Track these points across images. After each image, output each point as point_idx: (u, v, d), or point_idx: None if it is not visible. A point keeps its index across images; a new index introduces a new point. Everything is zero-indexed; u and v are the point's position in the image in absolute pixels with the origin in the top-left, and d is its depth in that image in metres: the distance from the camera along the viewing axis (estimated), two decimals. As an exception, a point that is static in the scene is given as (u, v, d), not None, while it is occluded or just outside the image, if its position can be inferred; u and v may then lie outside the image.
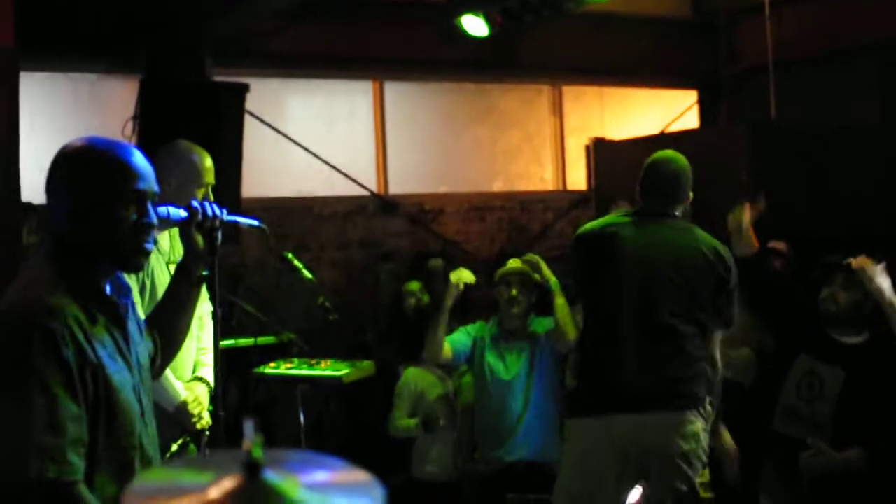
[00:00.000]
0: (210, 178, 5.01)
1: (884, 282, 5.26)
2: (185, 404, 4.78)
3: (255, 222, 3.93)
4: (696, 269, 5.28)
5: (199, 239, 3.48)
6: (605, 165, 12.26)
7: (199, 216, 3.47)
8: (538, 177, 12.78)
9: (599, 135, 12.54)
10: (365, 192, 11.31)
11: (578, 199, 12.55)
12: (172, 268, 4.71)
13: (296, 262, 6.74)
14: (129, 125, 8.94)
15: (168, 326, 3.52)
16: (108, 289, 3.10)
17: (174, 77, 9.11)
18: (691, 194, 5.45)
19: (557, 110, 12.83)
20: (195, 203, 3.50)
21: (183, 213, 3.45)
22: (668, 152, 5.56)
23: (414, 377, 7.33)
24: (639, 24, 12.22)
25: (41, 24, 8.82)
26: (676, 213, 5.41)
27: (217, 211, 3.53)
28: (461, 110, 12.29)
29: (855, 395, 5.23)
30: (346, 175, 11.17)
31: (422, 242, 11.30)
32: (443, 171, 12.12)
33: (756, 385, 6.28)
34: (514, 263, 6.78)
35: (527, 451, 6.58)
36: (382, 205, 11.38)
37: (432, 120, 12.11)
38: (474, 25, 9.55)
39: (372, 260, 11.00)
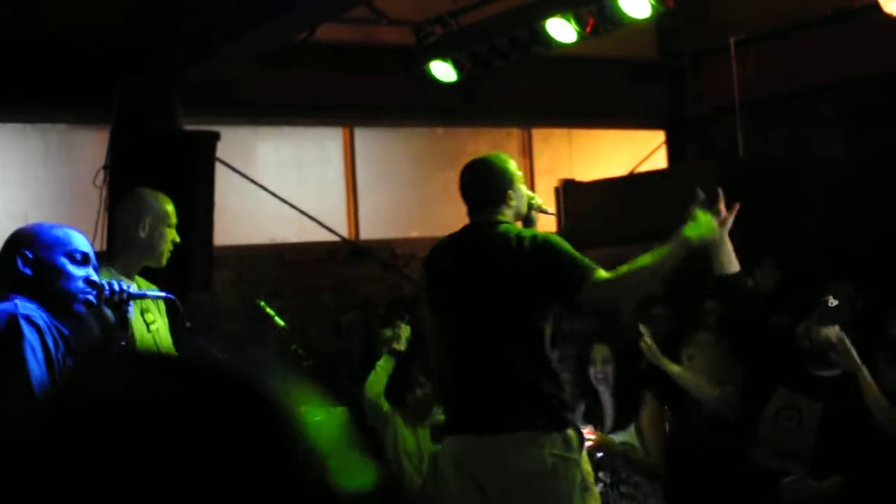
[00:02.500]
0: (175, 219, 5.07)
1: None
2: None
3: (163, 295, 4.14)
4: (507, 275, 4.77)
5: (109, 313, 3.78)
6: (574, 207, 12.32)
7: (105, 292, 3.77)
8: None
9: (568, 176, 12.61)
10: (336, 238, 11.33)
11: (549, 240, 12.58)
12: (147, 317, 4.73)
13: (268, 310, 6.75)
14: (101, 175, 8.94)
15: None
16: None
17: (144, 126, 9.12)
18: (512, 193, 4.92)
19: (527, 152, 12.91)
20: (101, 282, 3.78)
21: (91, 297, 3.77)
22: (475, 159, 5.23)
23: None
24: (606, 66, 12.32)
25: (10, 74, 8.84)
26: (500, 218, 4.90)
27: (124, 286, 3.85)
28: (431, 154, 12.34)
29: (833, 428, 5.27)
30: (317, 221, 11.19)
31: (395, 287, 11.31)
32: (414, 215, 12.16)
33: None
34: None
35: None
36: (354, 250, 11.40)
37: (402, 164, 12.16)
38: (443, 71, 9.61)
39: (344, 307, 11.01)
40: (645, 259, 4.81)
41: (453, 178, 12.94)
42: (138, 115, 9.20)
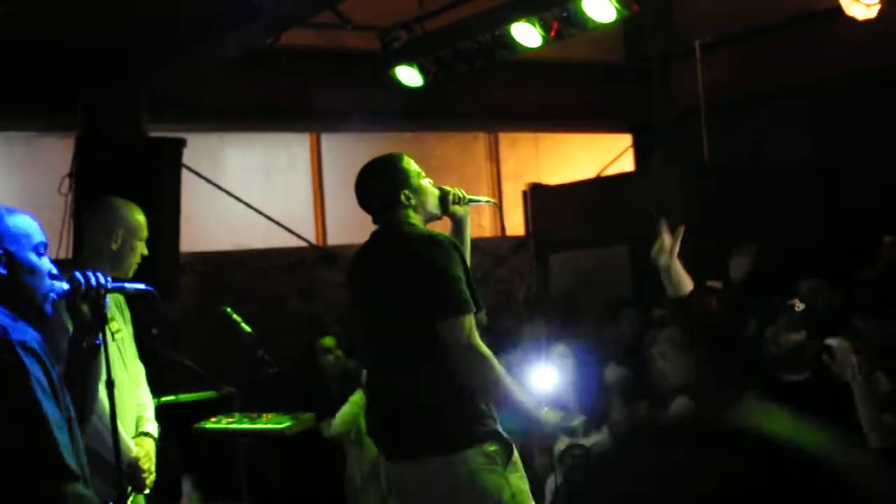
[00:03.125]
0: (146, 232, 5.04)
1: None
2: (136, 460, 4.76)
3: (142, 286, 3.83)
4: (394, 285, 4.45)
5: (85, 309, 3.47)
6: (542, 210, 12.37)
7: (83, 287, 3.46)
8: (476, 223, 12.82)
9: (536, 180, 12.65)
10: (303, 244, 11.31)
11: (517, 244, 12.62)
12: (112, 325, 4.71)
13: (234, 317, 6.73)
14: (66, 183, 8.90)
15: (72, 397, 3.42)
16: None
17: (110, 133, 9.08)
18: (408, 192, 4.54)
19: (493, 156, 12.94)
20: (77, 274, 3.47)
21: (65, 285, 3.43)
22: (364, 165, 4.79)
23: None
24: (572, 70, 12.35)
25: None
26: (402, 220, 4.54)
27: (101, 280, 3.50)
28: (398, 160, 12.30)
29: None
30: (284, 227, 11.17)
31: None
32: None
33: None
34: None
35: None
36: (321, 256, 11.38)
37: (370, 169, 12.12)
38: (409, 76, 9.60)
39: (312, 311, 10.98)
40: (504, 378, 4.37)
41: (421, 183, 12.99)
42: (103, 123, 9.16)
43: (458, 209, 4.81)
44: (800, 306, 5.50)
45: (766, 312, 5.65)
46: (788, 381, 5.49)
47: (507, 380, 4.34)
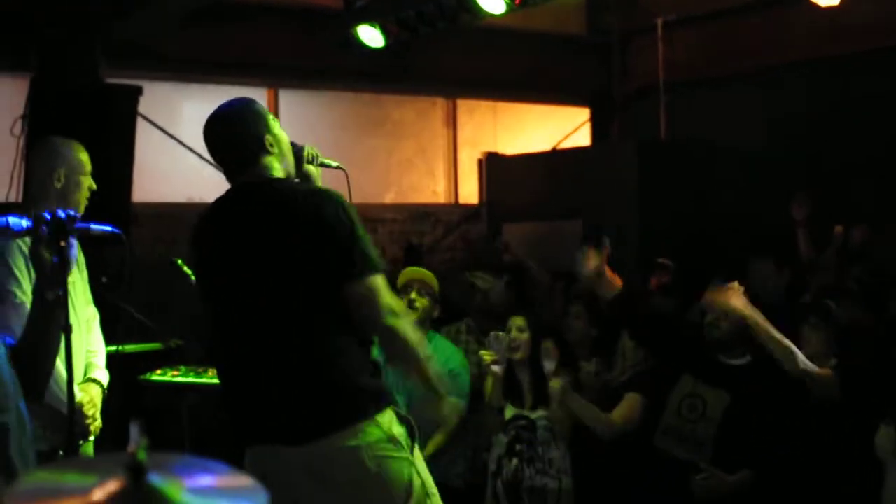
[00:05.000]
0: (90, 167, 5.02)
1: (738, 302, 5.32)
2: (80, 406, 4.72)
3: (108, 228, 3.63)
4: (286, 239, 3.87)
5: (48, 255, 3.16)
6: (496, 180, 12.38)
7: (45, 225, 3.17)
8: (430, 189, 12.84)
9: (492, 149, 12.66)
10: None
11: (470, 212, 12.63)
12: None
13: (185, 269, 6.69)
14: (18, 124, 8.80)
15: (34, 348, 3.30)
16: None
17: (66, 77, 8.99)
18: (270, 138, 4.01)
19: (451, 123, 12.91)
20: (44, 213, 3.19)
21: (25, 222, 3.16)
22: (213, 114, 4.20)
23: None
24: (534, 40, 12.34)
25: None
26: (271, 173, 4.02)
27: (66, 217, 3.20)
28: (355, 120, 12.31)
29: (738, 416, 5.33)
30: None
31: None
32: (336, 180, 12.09)
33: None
34: (412, 271, 6.68)
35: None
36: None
37: (326, 129, 12.10)
38: (370, 36, 9.57)
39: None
40: (423, 342, 4.01)
41: (377, 144, 12.95)
42: (59, 66, 9.06)
43: (311, 169, 4.33)
44: (739, 289, 5.54)
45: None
46: (729, 365, 5.53)
47: (424, 345, 4.00)
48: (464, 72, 12.14)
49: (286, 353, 3.84)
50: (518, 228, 11.50)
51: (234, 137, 4.04)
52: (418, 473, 3.89)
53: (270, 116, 4.10)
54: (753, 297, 5.38)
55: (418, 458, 3.94)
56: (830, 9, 9.28)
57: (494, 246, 10.07)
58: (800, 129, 10.98)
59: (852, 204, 9.82)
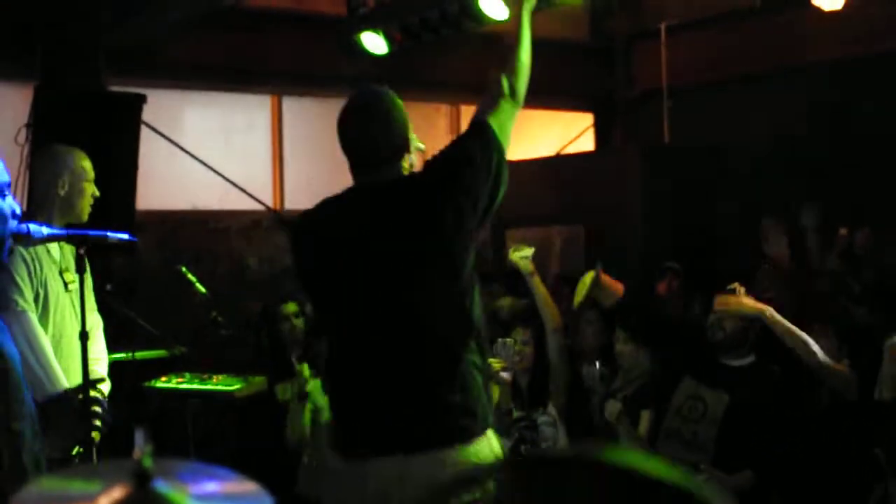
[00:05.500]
0: (93, 174, 5.06)
1: (750, 301, 5.40)
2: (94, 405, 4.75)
3: (125, 236, 3.68)
4: (407, 226, 3.66)
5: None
6: (501, 186, 12.35)
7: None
8: (435, 195, 12.80)
9: (496, 155, 12.64)
10: (261, 207, 11.26)
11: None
12: (66, 276, 4.68)
13: (189, 277, 6.71)
14: (23, 133, 8.81)
15: None
16: None
17: (70, 85, 9.00)
18: (412, 136, 3.86)
19: (455, 129, 12.91)
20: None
21: (46, 230, 3.33)
22: (351, 106, 3.94)
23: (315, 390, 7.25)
24: (537, 46, 12.30)
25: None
26: (401, 172, 3.81)
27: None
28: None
29: (738, 418, 5.35)
30: (242, 189, 11.11)
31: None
32: (340, 186, 12.08)
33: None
34: None
35: None
36: (278, 220, 11.34)
37: (330, 135, 12.04)
38: (374, 43, 9.54)
39: (268, 274, 10.95)
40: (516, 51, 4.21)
41: (381, 151, 13.05)
42: (62, 74, 9.08)
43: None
44: (742, 291, 5.58)
45: (711, 297, 5.71)
46: (731, 366, 5.55)
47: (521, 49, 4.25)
48: (468, 78, 12.10)
49: (424, 354, 3.63)
50: (522, 234, 11.50)
51: (386, 131, 3.81)
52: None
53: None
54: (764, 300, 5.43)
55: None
56: (834, 12, 9.27)
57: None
58: (802, 132, 10.98)
59: (855, 207, 9.81)
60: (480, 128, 3.88)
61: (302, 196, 11.72)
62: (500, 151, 3.82)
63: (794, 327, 5.29)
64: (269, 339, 8.34)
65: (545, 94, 12.77)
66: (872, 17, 10.30)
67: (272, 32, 10.91)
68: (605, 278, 5.59)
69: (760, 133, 11.22)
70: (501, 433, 6.11)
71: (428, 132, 12.82)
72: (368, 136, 3.76)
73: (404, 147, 3.78)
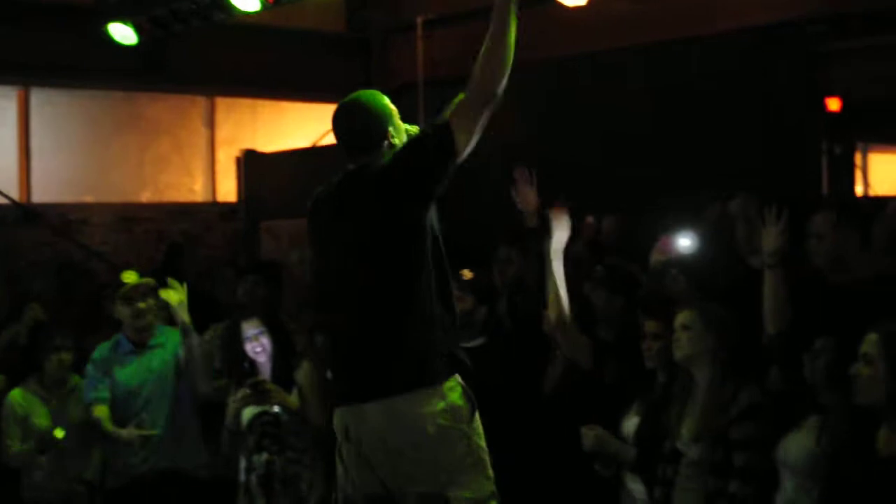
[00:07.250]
0: None
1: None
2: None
3: None
4: (360, 204, 4.22)
5: None
6: (255, 177, 12.29)
7: None
8: (188, 188, 12.61)
9: (251, 147, 12.55)
10: (5, 201, 10.91)
11: (228, 210, 12.50)
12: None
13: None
14: None
15: None
16: None
17: None
18: (392, 130, 4.32)
19: (209, 121, 12.73)
20: None
21: None
22: (346, 101, 4.42)
23: (19, 400, 7.03)
24: (293, 38, 12.24)
25: None
26: (380, 159, 4.30)
27: None
28: (109, 119, 11.95)
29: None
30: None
31: (65, 253, 10.96)
32: (89, 179, 11.80)
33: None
34: (131, 278, 6.83)
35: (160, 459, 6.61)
36: (23, 213, 11.00)
37: (79, 128, 11.77)
38: (122, 33, 9.39)
39: (11, 269, 10.60)
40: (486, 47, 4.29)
41: (130, 142, 12.83)
42: None
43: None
44: (468, 275, 5.73)
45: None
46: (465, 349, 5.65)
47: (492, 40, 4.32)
48: (223, 69, 11.99)
49: (371, 315, 4.10)
50: (278, 225, 11.43)
51: (364, 125, 4.33)
52: (472, 446, 4.06)
53: (395, 110, 4.42)
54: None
55: (476, 430, 4.10)
56: (578, 8, 9.52)
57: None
58: (557, 121, 11.21)
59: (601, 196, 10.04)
60: (438, 127, 4.26)
61: (49, 189, 11.41)
62: (448, 148, 4.19)
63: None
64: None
65: (301, 86, 12.84)
66: (622, 10, 10.60)
67: (18, 22, 10.58)
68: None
69: (517, 124, 11.39)
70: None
71: (181, 124, 12.62)
72: (345, 128, 4.35)
73: (381, 136, 4.28)
